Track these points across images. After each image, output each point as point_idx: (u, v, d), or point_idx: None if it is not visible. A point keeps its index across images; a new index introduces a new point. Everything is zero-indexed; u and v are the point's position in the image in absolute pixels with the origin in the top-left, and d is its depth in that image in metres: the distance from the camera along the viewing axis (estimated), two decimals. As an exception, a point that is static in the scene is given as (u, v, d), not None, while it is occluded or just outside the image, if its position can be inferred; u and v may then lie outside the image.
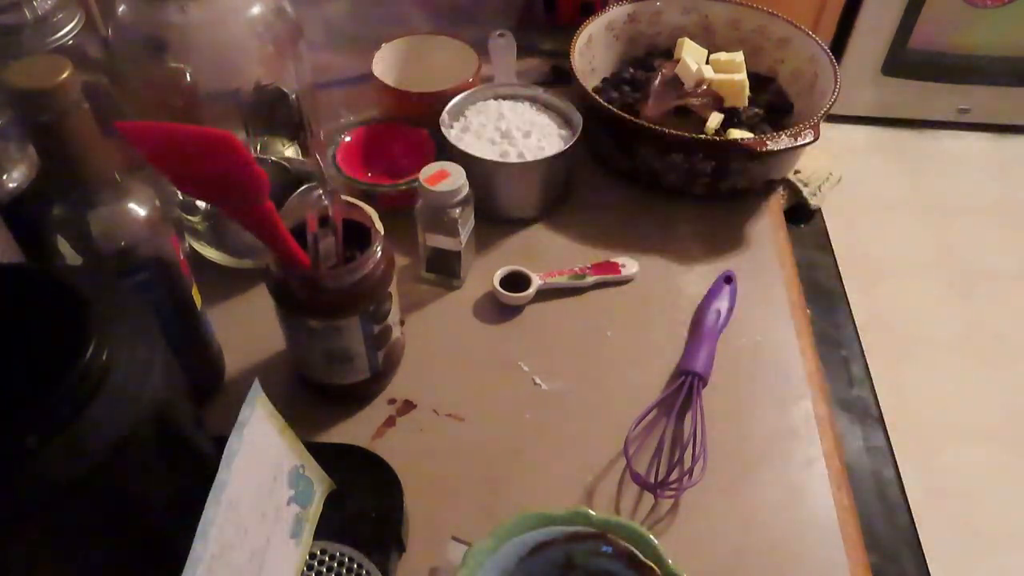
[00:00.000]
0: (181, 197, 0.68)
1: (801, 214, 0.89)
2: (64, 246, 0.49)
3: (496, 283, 0.70)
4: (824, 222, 1.80)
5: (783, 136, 0.73)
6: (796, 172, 0.83)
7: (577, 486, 0.59)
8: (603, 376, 0.66)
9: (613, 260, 0.74)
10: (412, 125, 0.79)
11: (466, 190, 0.67)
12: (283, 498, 0.47)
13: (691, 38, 0.86)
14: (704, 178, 0.78)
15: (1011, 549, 1.38)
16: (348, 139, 0.78)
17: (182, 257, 0.55)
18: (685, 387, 0.63)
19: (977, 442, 1.54)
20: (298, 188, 0.67)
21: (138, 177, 0.52)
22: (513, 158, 0.74)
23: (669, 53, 0.89)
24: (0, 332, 0.40)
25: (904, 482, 1.45)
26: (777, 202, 0.83)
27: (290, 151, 0.74)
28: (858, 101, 2.10)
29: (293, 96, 0.69)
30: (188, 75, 0.60)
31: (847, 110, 2.11)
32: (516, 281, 0.71)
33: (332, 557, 0.50)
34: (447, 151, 0.74)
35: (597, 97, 0.78)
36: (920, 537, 1.39)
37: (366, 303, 0.56)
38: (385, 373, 0.63)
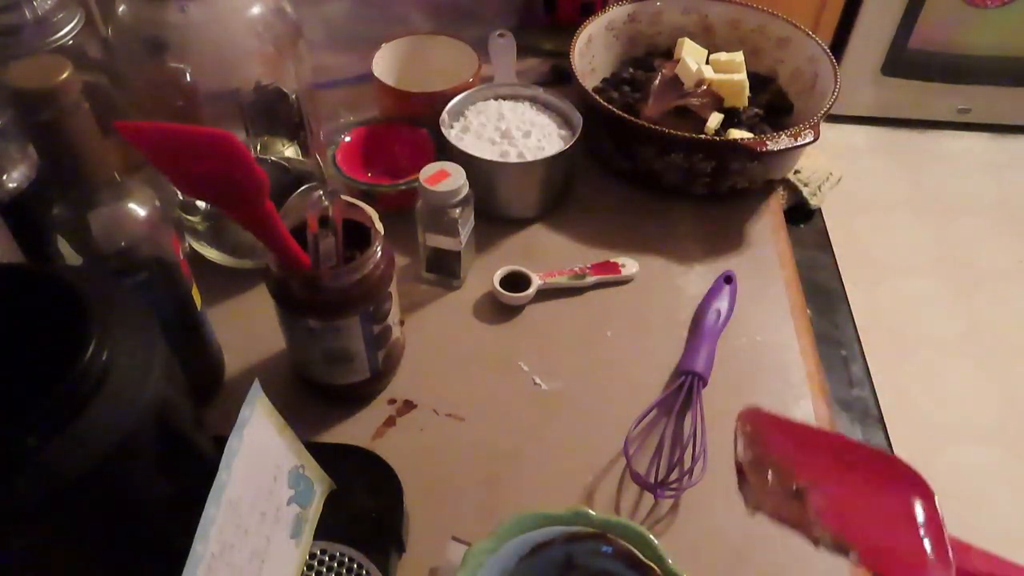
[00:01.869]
0: (181, 197, 0.68)
1: (801, 214, 0.89)
2: (64, 246, 0.49)
3: (496, 283, 0.70)
4: (824, 222, 1.80)
5: (783, 136, 0.73)
6: (796, 172, 0.83)
7: (577, 486, 0.59)
8: (603, 376, 0.66)
9: (613, 260, 0.74)
10: (412, 125, 0.79)
11: (466, 190, 0.67)
12: (283, 498, 0.47)
13: (691, 38, 0.86)
14: (704, 178, 0.77)
15: (1011, 549, 1.38)
16: (348, 139, 0.78)
17: (182, 257, 0.55)
18: (685, 387, 0.63)
19: (977, 442, 1.54)
20: (298, 188, 0.67)
21: (138, 177, 0.52)
22: (513, 158, 0.74)
23: (669, 53, 0.89)
24: (0, 332, 0.40)
25: (904, 482, 1.45)
26: (777, 202, 0.83)
27: (290, 151, 0.74)
28: (858, 101, 2.10)
29: (293, 96, 0.69)
30: (188, 75, 0.60)
31: (847, 110, 2.11)
32: (516, 281, 0.71)
33: (332, 557, 0.50)
34: (447, 151, 0.74)
35: (597, 97, 0.78)
36: (920, 537, 1.38)
37: (366, 303, 0.56)
38: (385, 373, 0.63)
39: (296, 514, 0.49)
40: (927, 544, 0.39)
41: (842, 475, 0.42)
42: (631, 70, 0.89)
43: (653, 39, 0.92)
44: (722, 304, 0.70)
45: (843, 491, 0.41)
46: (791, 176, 0.85)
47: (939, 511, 0.40)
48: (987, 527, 1.41)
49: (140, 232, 0.50)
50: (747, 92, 0.82)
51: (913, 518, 0.40)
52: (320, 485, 0.51)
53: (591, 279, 0.72)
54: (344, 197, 0.56)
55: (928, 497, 0.41)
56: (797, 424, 0.47)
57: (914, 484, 0.41)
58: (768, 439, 0.44)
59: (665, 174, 0.78)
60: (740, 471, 0.42)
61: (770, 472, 0.42)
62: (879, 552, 0.39)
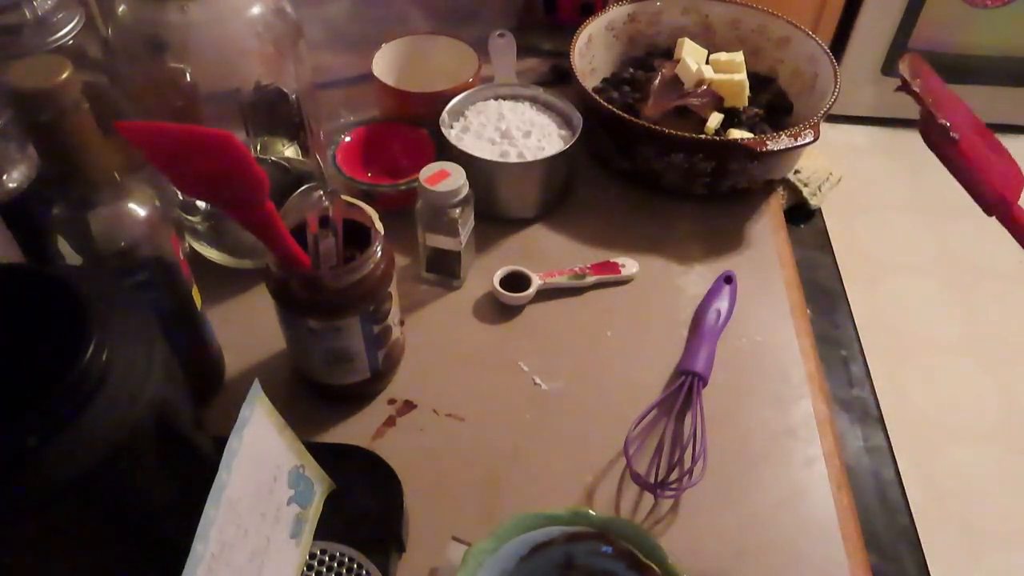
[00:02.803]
0: (181, 197, 0.68)
1: (801, 214, 0.89)
2: (64, 246, 0.49)
3: (496, 283, 0.70)
4: (824, 222, 1.80)
5: (783, 136, 0.73)
6: (796, 172, 0.83)
7: (577, 486, 0.59)
8: (603, 376, 0.66)
9: (613, 260, 0.74)
10: (412, 125, 0.79)
11: (466, 190, 0.67)
12: (283, 498, 0.47)
13: (691, 38, 0.86)
14: (704, 178, 0.77)
15: (1011, 549, 1.38)
16: (348, 139, 0.78)
17: (182, 257, 0.55)
18: (685, 387, 0.63)
19: (977, 442, 1.54)
20: (298, 188, 0.67)
21: (138, 177, 0.52)
22: (513, 158, 0.74)
23: (669, 53, 0.89)
24: (0, 332, 0.40)
25: (904, 482, 1.45)
26: (777, 202, 0.83)
27: (290, 151, 0.74)
28: (858, 101, 2.10)
29: (293, 96, 0.69)
30: (188, 75, 0.60)
31: (847, 110, 2.11)
32: (516, 281, 0.71)
33: (332, 557, 0.50)
34: (447, 151, 0.74)
35: (597, 97, 0.78)
36: (920, 537, 1.38)
37: (366, 303, 0.56)
38: (385, 373, 0.63)
39: (296, 514, 0.49)
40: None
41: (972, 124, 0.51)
42: (631, 70, 0.89)
43: (653, 39, 0.92)
44: (722, 304, 0.70)
45: (970, 129, 0.50)
46: (791, 176, 0.85)
47: None
48: (987, 527, 1.41)
49: (140, 232, 0.50)
50: (747, 92, 0.83)
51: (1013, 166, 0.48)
52: (320, 485, 0.51)
53: (591, 279, 0.72)
54: (344, 197, 0.56)
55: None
56: (946, 91, 0.54)
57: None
58: (923, 78, 0.52)
59: (665, 174, 0.78)
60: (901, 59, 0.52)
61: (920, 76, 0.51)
62: (976, 149, 0.48)
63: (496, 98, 0.81)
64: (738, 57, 0.84)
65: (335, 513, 0.52)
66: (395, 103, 0.81)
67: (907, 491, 1.45)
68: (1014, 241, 0.49)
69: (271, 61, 0.65)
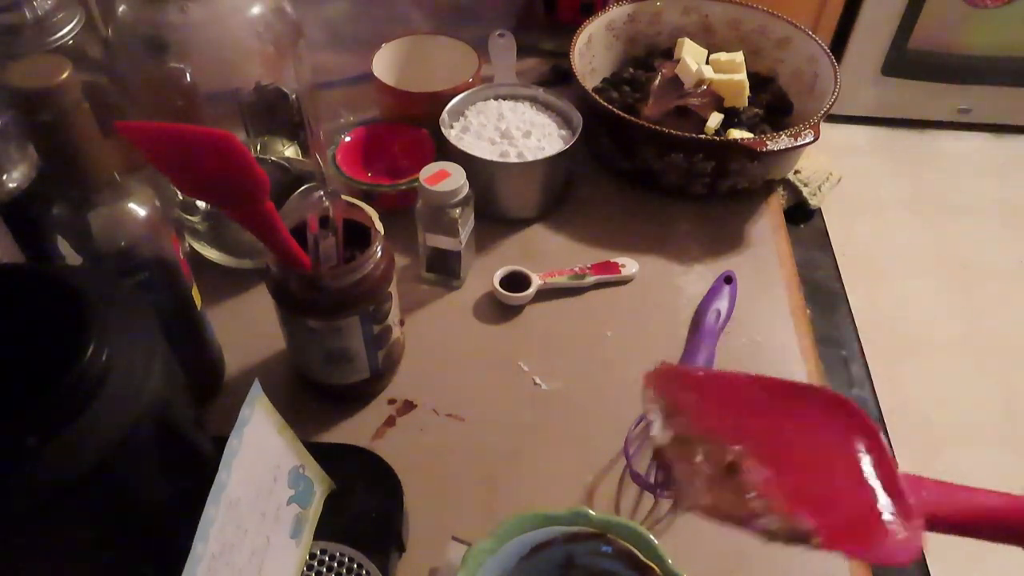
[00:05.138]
0: (181, 197, 0.68)
1: (801, 214, 0.89)
2: (64, 246, 0.49)
3: (496, 283, 0.70)
4: (824, 222, 1.80)
5: (783, 136, 0.73)
6: (796, 172, 0.83)
7: (577, 486, 0.59)
8: (603, 376, 0.66)
9: (613, 260, 0.74)
10: (412, 125, 0.79)
11: (466, 190, 0.67)
12: (283, 498, 0.47)
13: (691, 38, 0.86)
14: (704, 178, 0.77)
15: (1011, 549, 1.38)
16: (348, 139, 0.78)
17: (182, 257, 0.55)
18: (685, 387, 0.63)
19: (977, 442, 1.54)
20: (298, 188, 0.67)
21: (138, 177, 0.52)
22: (513, 158, 0.74)
23: (669, 53, 0.89)
24: (0, 332, 0.40)
25: (904, 482, 1.45)
26: (777, 202, 0.83)
27: (290, 151, 0.74)
28: (858, 101, 2.10)
29: (293, 96, 0.69)
30: (188, 75, 0.60)
31: (847, 110, 2.11)
32: (516, 281, 0.71)
33: (332, 557, 0.50)
34: (447, 151, 0.74)
35: (597, 97, 0.78)
36: (920, 537, 1.38)
37: (366, 303, 0.56)
38: (385, 373, 0.63)
39: (296, 514, 0.49)
40: (883, 498, 0.35)
41: (773, 428, 0.36)
42: (631, 70, 0.89)
43: (653, 39, 0.92)
44: (722, 304, 0.70)
45: (779, 451, 0.35)
46: (791, 176, 0.85)
47: (886, 450, 0.36)
48: (987, 527, 1.41)
49: (140, 232, 0.50)
50: (747, 92, 0.82)
51: (859, 468, 0.36)
52: (320, 485, 0.51)
53: (591, 279, 0.72)
54: (344, 197, 0.56)
55: (871, 435, 0.36)
56: (712, 375, 0.41)
57: (851, 418, 0.37)
58: (685, 404, 0.37)
59: (665, 174, 0.78)
60: (662, 461, 0.35)
61: (699, 452, 0.34)
62: (838, 528, 0.34)
63: (496, 98, 0.81)
64: (738, 57, 0.84)
65: (335, 513, 0.51)
66: (395, 103, 0.81)
67: (907, 491, 1.45)
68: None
69: (271, 61, 0.65)
